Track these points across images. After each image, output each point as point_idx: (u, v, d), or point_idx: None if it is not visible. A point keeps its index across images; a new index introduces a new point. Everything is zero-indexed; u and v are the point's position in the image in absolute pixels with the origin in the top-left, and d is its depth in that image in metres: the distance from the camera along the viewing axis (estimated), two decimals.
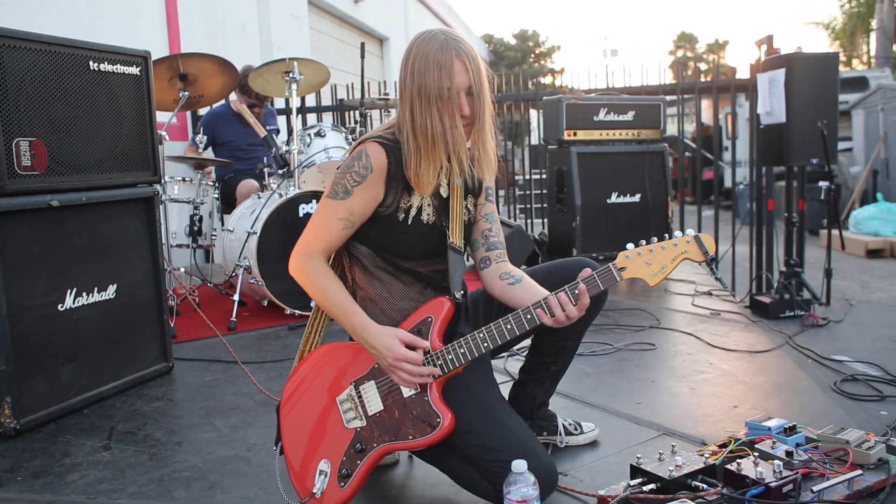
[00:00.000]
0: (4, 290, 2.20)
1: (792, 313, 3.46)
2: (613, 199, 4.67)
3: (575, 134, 4.65)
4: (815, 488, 1.61)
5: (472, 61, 1.64)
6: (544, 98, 4.92)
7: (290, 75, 3.75)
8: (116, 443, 2.20)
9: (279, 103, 5.61)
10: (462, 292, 1.76)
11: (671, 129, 10.02)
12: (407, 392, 1.63)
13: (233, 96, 4.71)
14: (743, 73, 5.67)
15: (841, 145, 13.35)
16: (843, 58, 23.15)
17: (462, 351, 1.61)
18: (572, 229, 4.62)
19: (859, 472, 1.68)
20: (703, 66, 39.52)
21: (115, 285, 2.63)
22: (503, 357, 2.79)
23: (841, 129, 15.31)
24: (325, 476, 1.64)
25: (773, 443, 1.82)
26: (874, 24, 18.45)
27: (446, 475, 1.75)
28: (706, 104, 21.78)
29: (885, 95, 11.13)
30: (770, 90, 4.23)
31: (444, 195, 1.78)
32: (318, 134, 4.01)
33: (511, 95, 6.63)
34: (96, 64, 2.52)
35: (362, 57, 4.21)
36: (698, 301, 3.89)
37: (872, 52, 18.83)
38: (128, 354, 2.69)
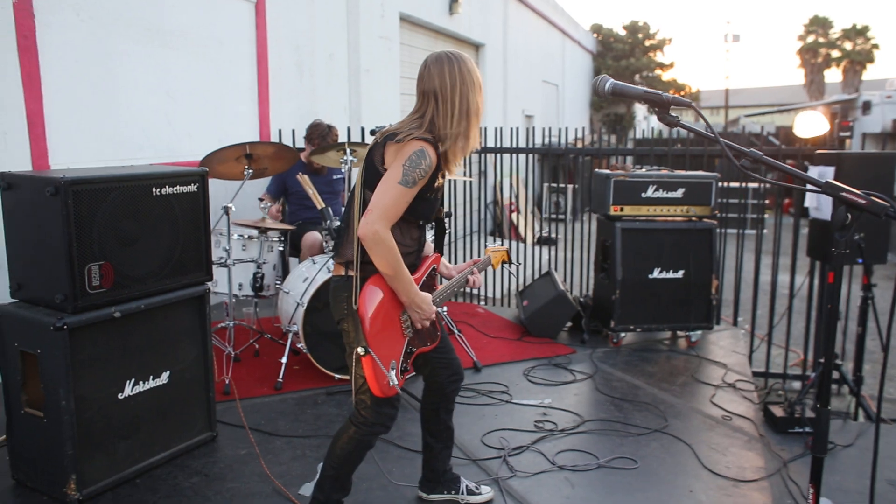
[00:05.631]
0: (73, 389, 2.70)
1: (801, 430, 3.53)
2: (656, 274, 4.79)
3: (622, 209, 4.78)
4: None
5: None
6: (595, 171, 5.04)
7: (345, 158, 4.12)
8: None
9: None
10: None
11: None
12: None
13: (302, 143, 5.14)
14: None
15: None
16: None
17: (446, 293, 2.54)
18: (612, 301, 4.78)
19: None
20: (835, 54, 36.86)
21: (168, 371, 3.10)
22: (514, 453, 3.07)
23: None
24: (394, 370, 2.30)
25: None
26: None
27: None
28: (823, 110, 20.55)
29: None
30: None
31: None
32: None
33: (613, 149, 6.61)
34: (158, 189, 2.96)
35: None
36: (718, 396, 3.99)
37: None
38: (176, 428, 3.17)
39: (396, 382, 2.27)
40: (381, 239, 2.14)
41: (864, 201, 1.61)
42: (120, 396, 2.90)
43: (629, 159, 6.01)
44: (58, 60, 4.37)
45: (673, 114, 1.83)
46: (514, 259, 2.93)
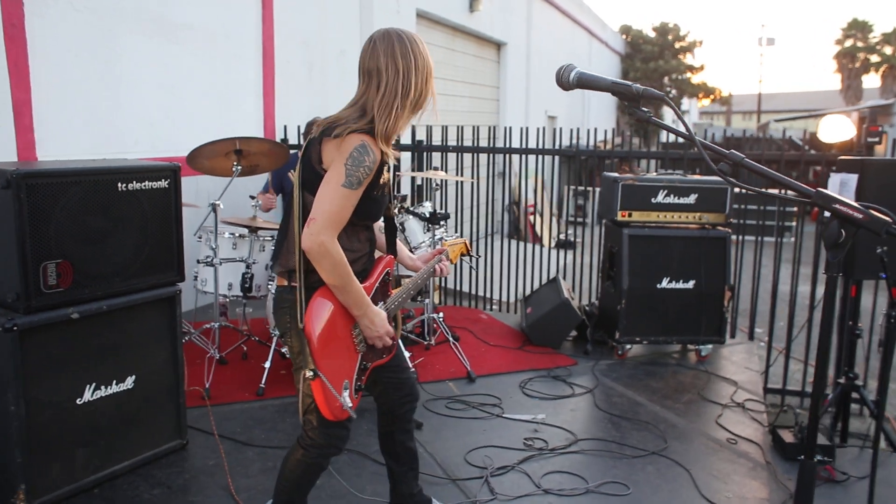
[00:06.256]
0: (24, 393, 2.55)
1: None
2: (665, 283, 4.54)
3: (630, 215, 4.54)
4: None
5: None
6: (603, 174, 4.80)
7: None
8: None
9: None
10: None
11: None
12: None
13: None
14: None
15: None
16: None
17: (402, 298, 2.31)
18: (618, 311, 4.54)
19: None
20: (874, 59, 35.77)
21: (134, 376, 2.94)
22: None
23: None
24: (347, 390, 2.07)
25: None
26: None
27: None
28: (856, 115, 19.88)
29: None
30: (841, 193, 3.94)
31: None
32: None
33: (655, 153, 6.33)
34: (124, 185, 2.81)
35: None
36: (725, 417, 3.73)
37: None
38: (142, 434, 3.01)
39: (350, 404, 2.05)
40: (327, 251, 1.93)
41: (860, 216, 1.37)
42: (79, 402, 2.75)
43: (641, 163, 5.76)
44: (49, 50, 4.26)
45: (645, 109, 1.62)
46: (473, 251, 2.81)
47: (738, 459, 3.27)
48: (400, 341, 2.38)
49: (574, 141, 6.21)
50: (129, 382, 2.93)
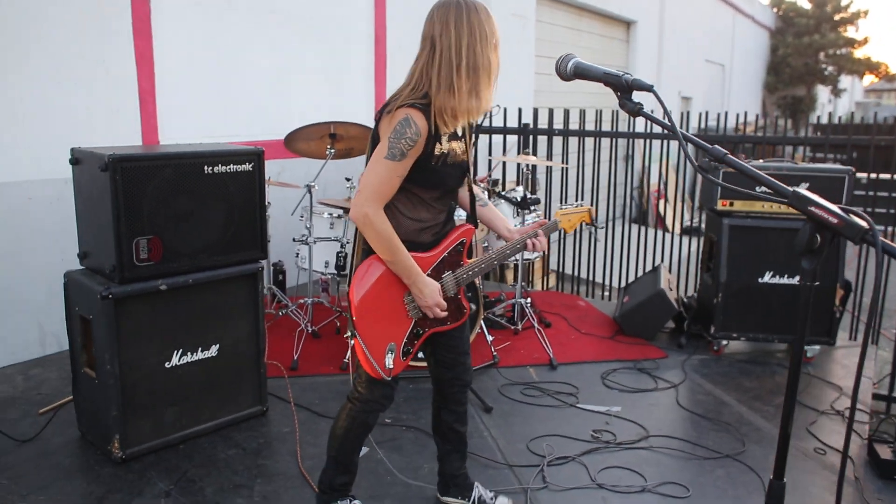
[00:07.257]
0: (119, 355, 2.85)
1: None
2: (767, 278, 4.25)
3: (731, 204, 4.28)
4: None
5: None
6: (702, 160, 4.54)
7: None
8: (178, 491, 2.76)
9: None
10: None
11: None
12: (450, 292, 2.27)
13: None
14: None
15: None
16: None
17: (478, 268, 2.33)
18: (714, 304, 4.32)
19: None
20: None
21: (218, 345, 3.19)
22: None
23: None
24: (392, 353, 2.17)
25: None
26: None
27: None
28: None
29: None
30: None
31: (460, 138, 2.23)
32: None
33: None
34: (210, 168, 3.03)
35: None
36: (819, 424, 3.47)
37: None
38: (225, 399, 3.27)
39: (391, 367, 2.17)
40: (371, 222, 2.04)
41: (836, 220, 1.25)
42: (167, 365, 3.03)
43: (786, 149, 5.39)
44: (171, 41, 4.63)
45: (636, 100, 1.55)
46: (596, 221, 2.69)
47: (821, 471, 3.04)
48: (467, 324, 2.43)
49: (708, 123, 5.88)
50: (214, 350, 3.19)
